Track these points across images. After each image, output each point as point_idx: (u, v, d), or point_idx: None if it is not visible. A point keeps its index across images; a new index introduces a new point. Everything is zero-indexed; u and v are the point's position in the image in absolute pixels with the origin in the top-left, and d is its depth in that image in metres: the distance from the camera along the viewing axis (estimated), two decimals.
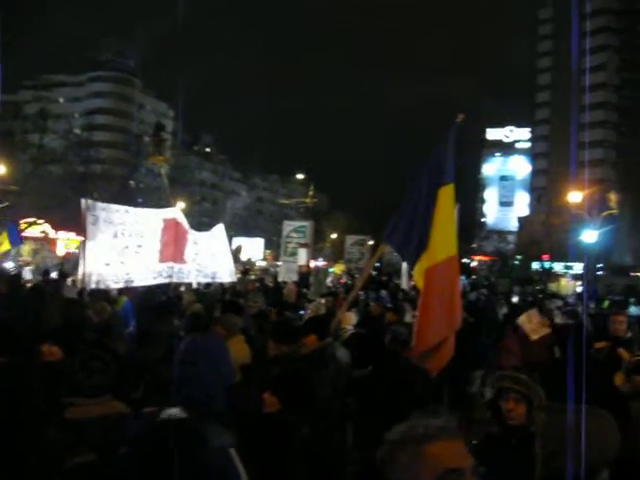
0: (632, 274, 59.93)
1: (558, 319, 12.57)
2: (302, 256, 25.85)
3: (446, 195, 6.56)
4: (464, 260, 64.73)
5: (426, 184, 6.68)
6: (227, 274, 13.88)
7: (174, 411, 2.46)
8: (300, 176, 78.82)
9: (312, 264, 30.63)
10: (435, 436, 1.66)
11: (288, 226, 27.65)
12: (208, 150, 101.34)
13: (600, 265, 55.14)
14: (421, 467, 1.62)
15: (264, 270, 44.54)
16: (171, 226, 11.79)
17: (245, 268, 29.20)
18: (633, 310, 21.79)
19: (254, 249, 56.66)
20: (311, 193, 62.31)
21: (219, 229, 14.06)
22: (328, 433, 5.74)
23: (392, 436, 1.71)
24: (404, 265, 21.08)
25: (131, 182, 57.73)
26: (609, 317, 9.31)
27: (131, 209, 11.21)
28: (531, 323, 8.18)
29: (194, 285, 15.35)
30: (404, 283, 21.48)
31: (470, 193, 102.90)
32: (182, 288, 14.73)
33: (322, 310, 10.58)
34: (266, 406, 3.89)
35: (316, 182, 66.86)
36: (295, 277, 23.86)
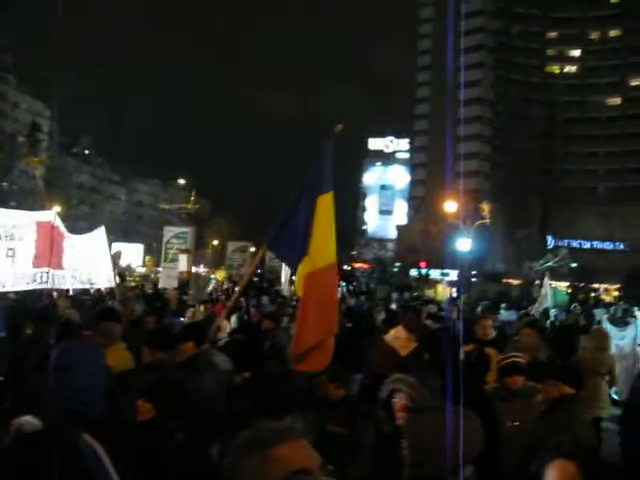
0: (504, 280, 62.82)
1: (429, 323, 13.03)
2: (183, 262, 25.51)
3: (325, 203, 6.62)
4: (345, 267, 65.90)
5: (306, 192, 6.76)
6: (105, 280, 13.50)
7: (28, 419, 2.40)
8: (182, 181, 77.96)
9: (193, 270, 30.25)
10: (281, 439, 1.63)
11: (169, 232, 27.23)
12: (87, 152, 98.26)
13: (474, 272, 57.46)
14: (268, 472, 1.58)
15: (144, 276, 43.62)
16: (46, 230, 11.32)
17: (123, 274, 28.49)
18: (504, 315, 22.83)
19: (134, 255, 55.38)
20: (193, 199, 61.64)
21: (100, 232, 13.62)
22: (206, 441, 5.71)
23: (236, 442, 1.66)
24: (285, 271, 21.24)
25: (4, 184, 55.23)
26: (477, 321, 9.76)
27: (2, 211, 10.71)
28: (398, 340, 8.45)
29: (70, 291, 14.84)
30: (285, 289, 21.62)
31: (351, 201, 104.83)
32: (55, 294, 14.16)
33: (200, 316, 10.51)
34: (140, 414, 3.83)
35: (198, 188, 66.28)
36: (175, 283, 23.53)
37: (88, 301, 15.34)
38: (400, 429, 4.03)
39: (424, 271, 62.41)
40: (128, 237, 72.44)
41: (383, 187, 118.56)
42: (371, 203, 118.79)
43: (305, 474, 1.58)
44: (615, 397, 13.40)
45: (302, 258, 6.56)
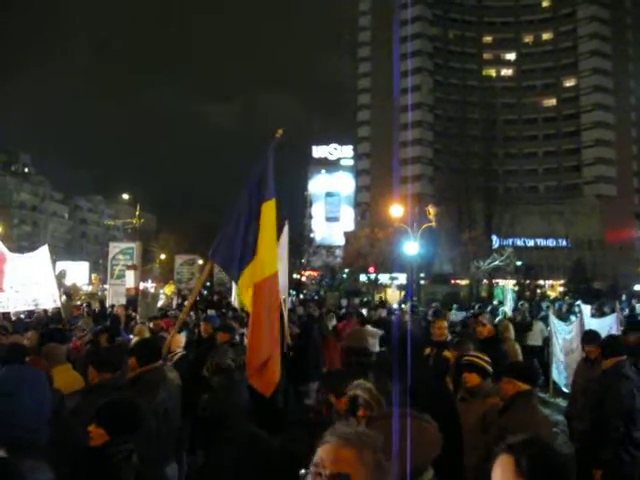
0: (452, 281, 63.57)
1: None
2: (130, 278, 25.19)
3: (268, 211, 6.61)
4: (294, 275, 65.69)
5: (249, 200, 6.71)
6: (50, 300, 13.17)
7: None
8: (125, 196, 76.85)
9: (141, 286, 29.83)
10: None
11: (115, 248, 26.91)
12: (27, 170, 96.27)
13: (422, 274, 57.97)
14: None
15: (91, 294, 42.84)
16: None
17: (69, 292, 27.94)
18: (455, 315, 23.07)
19: (79, 273, 54.33)
20: (138, 213, 60.74)
21: (43, 251, 13.29)
22: (161, 460, 5.57)
23: None
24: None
25: None
26: (431, 324, 9.78)
27: None
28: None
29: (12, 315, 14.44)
30: (235, 301, 21.43)
31: (298, 209, 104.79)
32: None
33: (147, 333, 10.30)
34: (92, 439, 3.68)
35: (143, 202, 65.40)
36: (123, 300, 23.16)
37: (32, 323, 14.94)
38: None
39: (373, 276, 62.69)
40: (73, 255, 71.07)
41: (329, 194, 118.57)
42: (318, 210, 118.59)
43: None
44: (564, 390, 13.65)
45: (244, 268, 6.50)
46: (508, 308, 21.57)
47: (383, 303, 33.71)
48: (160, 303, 24.58)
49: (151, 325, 11.87)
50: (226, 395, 5.51)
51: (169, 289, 35.07)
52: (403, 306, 27.23)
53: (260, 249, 6.48)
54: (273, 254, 6.70)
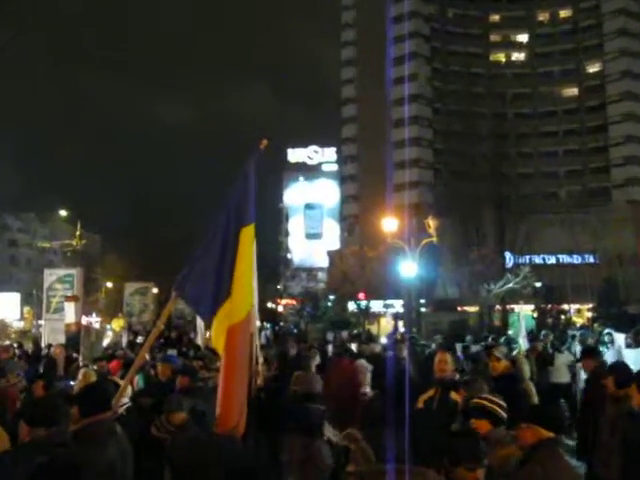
0: (459, 308, 63.53)
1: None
2: (70, 312, 25.09)
3: (247, 238, 6.54)
4: (269, 305, 65.70)
5: (226, 224, 6.62)
6: None
7: None
8: (63, 213, 76.38)
9: (84, 321, 29.67)
10: None
11: (51, 275, 26.82)
12: None
13: (423, 301, 58.05)
14: None
15: (22, 332, 42.54)
16: None
17: None
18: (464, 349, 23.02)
19: (8, 307, 53.98)
20: (78, 233, 60.55)
21: None
22: None
23: None
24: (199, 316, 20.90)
25: None
26: (433, 357, 9.77)
27: None
28: None
29: None
30: (200, 338, 21.30)
31: (272, 225, 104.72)
32: None
33: (93, 377, 10.23)
34: None
35: (84, 219, 65.12)
36: (63, 339, 23.02)
37: None
38: None
39: (363, 303, 62.71)
40: (1, 285, 70.63)
41: (308, 206, 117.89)
42: (295, 226, 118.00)
43: None
44: None
45: (218, 308, 6.42)
46: (522, 339, 21.58)
47: (371, 337, 33.67)
48: (106, 341, 24.45)
49: (95, 368, 11.81)
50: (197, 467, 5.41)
51: (117, 324, 34.93)
52: (397, 336, 27.22)
53: (237, 285, 6.41)
54: (250, 289, 6.63)
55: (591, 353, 10.96)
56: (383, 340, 29.13)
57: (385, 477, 2.81)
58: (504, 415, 5.96)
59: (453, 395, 8.11)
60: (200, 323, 21.32)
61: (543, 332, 24.72)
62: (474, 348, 21.98)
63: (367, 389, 12.17)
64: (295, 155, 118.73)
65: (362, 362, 13.14)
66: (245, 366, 6.39)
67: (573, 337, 23.16)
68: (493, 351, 11.47)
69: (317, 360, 16.16)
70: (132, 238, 77.49)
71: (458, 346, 21.19)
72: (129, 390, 8.98)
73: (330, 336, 36.37)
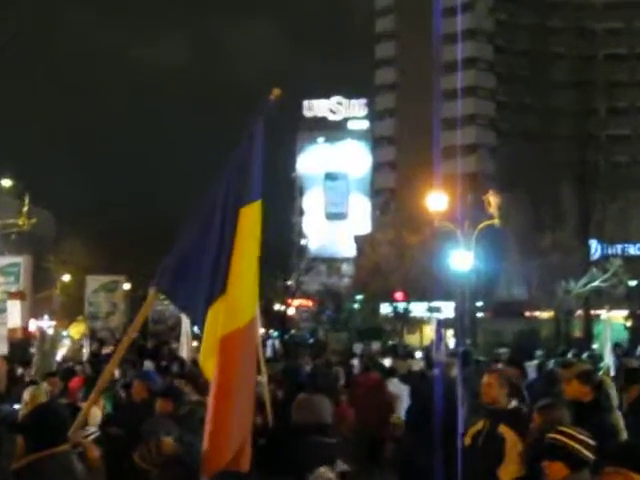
0: (527, 314, 63.21)
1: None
2: (14, 313, 25.21)
3: (250, 219, 6.46)
4: (276, 306, 65.71)
5: (223, 200, 6.53)
6: None
7: None
8: (6, 183, 76.57)
9: (32, 325, 29.89)
10: None
11: None
12: None
13: (480, 303, 57.92)
14: None
15: None
16: None
17: None
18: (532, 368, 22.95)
19: None
20: (26, 209, 60.73)
21: None
22: None
23: None
24: (185, 321, 20.95)
25: None
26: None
27: None
28: None
29: None
30: (184, 349, 21.39)
31: (281, 201, 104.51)
32: None
33: (42, 398, 10.31)
34: None
35: (34, 192, 65.27)
36: (5, 349, 23.17)
37: None
38: None
39: (401, 306, 62.67)
40: None
41: (330, 176, 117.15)
42: (312, 202, 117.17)
43: None
44: None
45: (209, 306, 6.34)
46: (607, 354, 21.49)
47: (410, 352, 33.49)
48: (62, 352, 24.59)
49: (46, 386, 11.89)
50: None
51: (77, 330, 35.07)
52: (441, 348, 27.12)
53: (235, 280, 6.34)
54: (255, 287, 6.54)
55: None
56: (419, 354, 29.04)
57: None
58: (590, 456, 5.90)
59: (502, 429, 8.10)
60: (186, 330, 21.43)
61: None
62: (549, 365, 21.92)
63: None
64: (313, 108, 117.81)
65: (394, 382, 13.16)
66: (247, 388, 6.34)
67: None
68: (573, 369, 11.44)
69: (342, 380, 16.21)
70: (97, 217, 77.55)
71: (530, 365, 21.10)
72: (98, 415, 9.03)
73: (358, 348, 36.39)
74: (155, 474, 6.06)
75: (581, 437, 5.94)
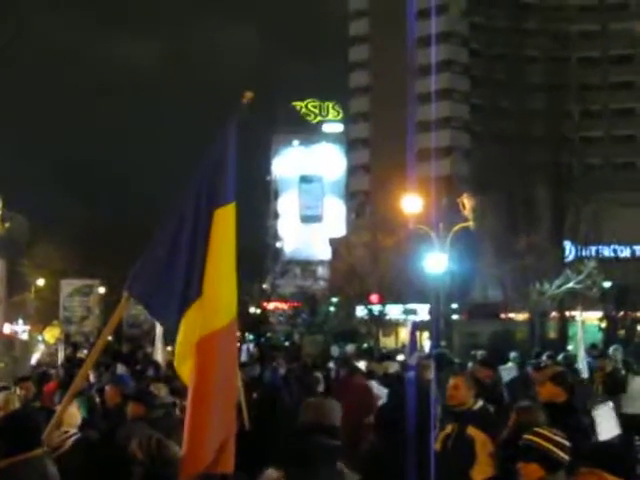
0: (502, 316, 63.37)
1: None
2: None
3: (224, 221, 6.46)
4: (251, 309, 65.62)
5: (195, 202, 6.54)
6: None
7: None
8: None
9: (6, 329, 29.79)
10: None
11: None
12: None
13: (455, 305, 58.07)
14: None
15: None
16: None
17: None
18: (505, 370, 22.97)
19: None
20: None
21: None
22: None
23: None
24: (159, 326, 20.91)
25: None
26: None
27: None
28: None
29: None
30: (159, 353, 21.34)
31: (255, 204, 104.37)
32: None
33: (15, 404, 10.27)
34: None
35: (8, 195, 65.05)
36: None
37: None
38: None
39: (376, 308, 62.64)
40: None
41: (304, 179, 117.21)
42: (287, 205, 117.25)
43: None
44: None
45: (184, 312, 6.34)
46: (580, 356, 21.56)
47: (387, 353, 33.47)
48: (36, 356, 24.53)
49: (18, 391, 11.85)
50: None
51: (51, 334, 34.97)
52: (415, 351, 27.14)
53: (210, 282, 6.26)
54: (234, 288, 6.57)
55: None
56: (400, 357, 29.02)
57: None
58: (565, 457, 5.91)
59: (471, 431, 8.14)
60: (160, 334, 21.38)
61: (613, 347, 24.63)
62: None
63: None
64: (288, 111, 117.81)
65: (374, 384, 13.19)
66: (228, 388, 6.33)
67: None
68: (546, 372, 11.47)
69: (321, 386, 16.17)
70: (71, 221, 77.22)
71: (504, 369, 21.10)
72: (78, 417, 8.99)
73: (335, 351, 36.43)
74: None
75: (556, 438, 5.95)
